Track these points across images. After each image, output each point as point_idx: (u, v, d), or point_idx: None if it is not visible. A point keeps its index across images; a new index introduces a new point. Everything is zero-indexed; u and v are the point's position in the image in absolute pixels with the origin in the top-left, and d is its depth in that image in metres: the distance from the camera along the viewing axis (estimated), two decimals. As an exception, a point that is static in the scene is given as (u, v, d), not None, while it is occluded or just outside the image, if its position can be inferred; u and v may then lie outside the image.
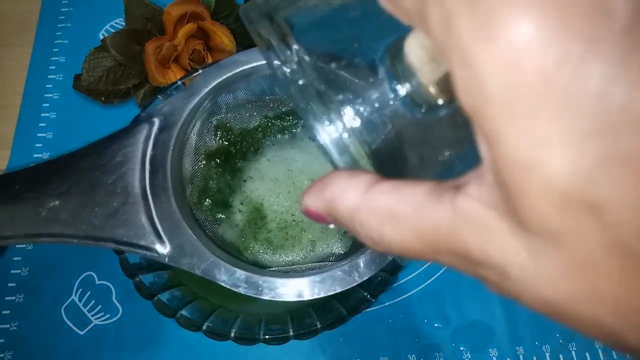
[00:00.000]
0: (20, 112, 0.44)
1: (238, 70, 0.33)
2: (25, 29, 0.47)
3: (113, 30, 0.46)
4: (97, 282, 0.38)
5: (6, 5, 0.49)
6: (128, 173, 0.29)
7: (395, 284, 0.38)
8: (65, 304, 0.37)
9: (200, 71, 0.33)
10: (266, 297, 0.27)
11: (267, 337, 0.31)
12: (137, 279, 0.31)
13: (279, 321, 0.33)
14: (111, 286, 0.38)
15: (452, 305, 0.37)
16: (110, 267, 0.36)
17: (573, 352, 0.36)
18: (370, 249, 0.25)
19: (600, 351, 0.36)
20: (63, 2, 0.49)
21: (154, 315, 0.30)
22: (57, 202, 0.27)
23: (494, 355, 0.36)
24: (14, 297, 0.37)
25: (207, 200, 0.35)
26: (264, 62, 0.32)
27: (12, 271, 0.38)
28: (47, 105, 0.44)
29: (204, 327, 0.31)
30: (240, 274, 0.28)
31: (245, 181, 0.36)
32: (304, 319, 0.33)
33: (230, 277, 0.28)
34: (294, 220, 0.35)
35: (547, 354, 0.36)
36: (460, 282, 0.38)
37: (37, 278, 0.38)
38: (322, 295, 0.27)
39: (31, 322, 0.37)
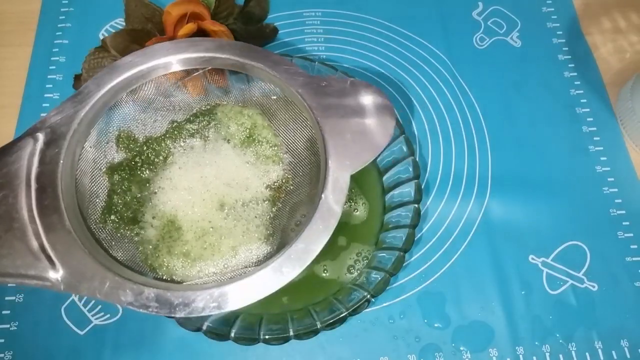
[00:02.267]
0: (20, 112, 0.44)
1: (134, 71, 0.30)
2: (25, 29, 0.47)
3: (113, 30, 0.46)
4: (97, 282, 0.38)
5: (6, 5, 0.49)
6: (11, 195, 0.26)
7: (395, 284, 0.38)
8: (65, 304, 0.37)
9: (199, 71, 0.33)
10: (181, 315, 0.25)
11: (267, 337, 0.31)
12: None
13: (279, 321, 0.33)
14: (111, 286, 0.38)
15: (452, 305, 0.37)
16: (110, 267, 0.36)
17: (573, 352, 0.36)
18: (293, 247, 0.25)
19: (600, 351, 0.36)
20: (63, 2, 0.49)
21: (154, 315, 0.30)
22: None
23: (493, 355, 0.36)
24: (14, 297, 0.37)
25: (112, 217, 0.31)
26: (165, 60, 0.30)
27: (12, 271, 0.38)
28: (47, 105, 0.44)
29: (204, 327, 0.31)
30: (149, 292, 0.25)
31: (155, 193, 0.33)
32: (304, 319, 0.33)
33: (137, 298, 0.25)
34: (212, 227, 0.32)
35: (547, 354, 0.36)
36: (460, 282, 0.38)
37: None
38: (246, 304, 0.25)
39: (31, 322, 0.37)
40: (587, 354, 0.36)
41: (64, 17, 0.48)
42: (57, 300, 0.37)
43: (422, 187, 0.31)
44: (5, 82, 0.45)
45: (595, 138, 0.43)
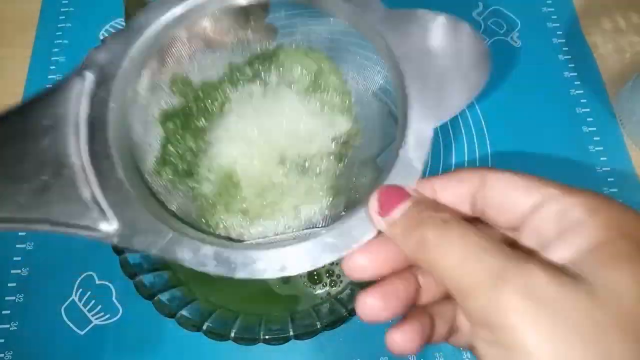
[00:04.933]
0: (20, 112, 0.44)
1: (190, 5, 0.27)
2: (25, 29, 0.47)
3: (113, 30, 0.46)
4: (97, 282, 0.38)
5: (6, 5, 0.49)
6: (59, 139, 0.24)
7: (395, 284, 0.38)
8: (65, 304, 0.37)
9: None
10: (241, 275, 0.22)
11: (267, 337, 0.31)
12: (137, 279, 0.31)
13: (279, 321, 0.33)
14: (111, 286, 0.38)
15: (452, 305, 0.37)
16: (110, 267, 0.36)
17: (573, 352, 0.36)
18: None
19: None
20: (63, 2, 0.49)
21: (154, 315, 0.30)
22: None
23: (494, 355, 0.36)
24: (14, 297, 0.37)
25: (166, 169, 0.29)
26: None
27: (12, 271, 0.38)
28: (47, 105, 0.44)
29: (204, 327, 0.31)
30: (208, 250, 0.23)
31: (212, 144, 0.30)
32: (304, 319, 0.33)
33: (195, 254, 0.22)
34: (273, 183, 0.29)
35: (547, 354, 0.36)
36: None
37: (37, 278, 0.38)
38: (309, 268, 0.22)
39: (31, 322, 0.37)
40: (587, 354, 0.36)
41: (64, 17, 0.48)
42: (57, 300, 0.37)
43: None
44: (5, 82, 0.45)
45: (595, 138, 0.43)
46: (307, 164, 0.29)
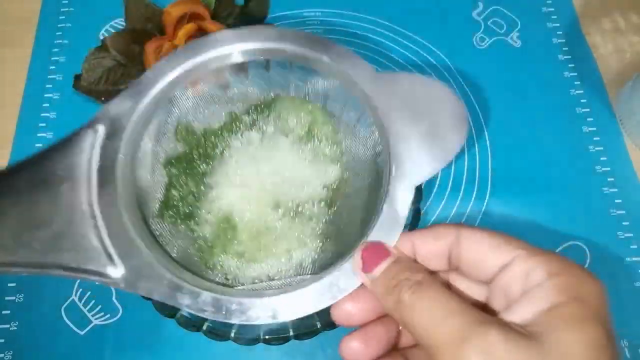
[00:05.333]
0: (20, 112, 0.44)
1: (193, 61, 0.29)
2: (25, 29, 0.47)
3: (113, 30, 0.46)
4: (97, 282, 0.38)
5: (6, 5, 0.49)
6: (72, 188, 0.25)
7: (395, 284, 0.38)
8: (65, 304, 0.37)
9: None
10: (235, 321, 0.24)
11: (267, 337, 0.31)
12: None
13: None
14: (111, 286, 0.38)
15: (452, 305, 0.37)
16: (110, 267, 0.36)
17: (573, 352, 0.36)
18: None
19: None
20: (63, 2, 0.49)
21: (154, 315, 0.30)
22: None
23: (494, 355, 0.36)
24: (14, 297, 0.37)
25: (169, 212, 0.31)
26: (225, 50, 0.29)
27: (12, 271, 0.38)
28: (47, 105, 0.44)
29: (204, 327, 0.30)
30: (206, 296, 0.24)
31: (212, 188, 0.32)
32: (304, 319, 0.33)
33: (194, 301, 0.24)
34: (267, 228, 0.31)
35: (547, 354, 0.36)
36: (460, 282, 0.38)
37: (37, 278, 0.38)
38: (298, 315, 0.24)
39: (31, 322, 0.37)
40: (587, 354, 0.36)
41: (64, 17, 0.48)
42: (57, 300, 0.37)
43: (422, 187, 0.31)
44: (5, 82, 0.45)
45: (595, 138, 0.43)
46: (299, 209, 0.31)
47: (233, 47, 0.29)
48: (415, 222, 0.34)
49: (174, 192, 0.32)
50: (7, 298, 0.37)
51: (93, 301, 0.37)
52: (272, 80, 0.33)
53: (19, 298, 0.37)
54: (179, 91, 0.30)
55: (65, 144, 0.26)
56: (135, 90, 0.28)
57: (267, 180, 0.32)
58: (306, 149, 0.33)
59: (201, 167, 0.33)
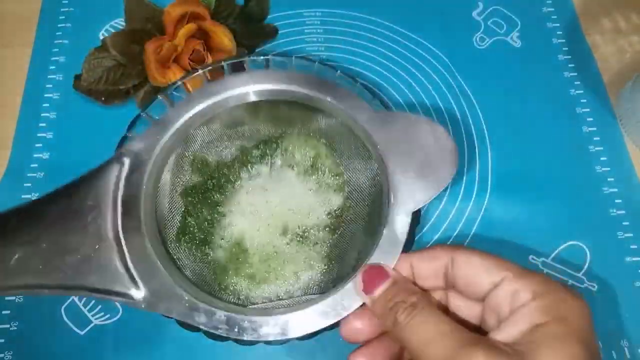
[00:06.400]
0: (20, 112, 0.44)
1: (211, 101, 0.32)
2: (25, 29, 0.47)
3: (113, 30, 0.46)
4: (97, 282, 0.38)
5: (6, 5, 0.49)
6: (100, 216, 0.28)
7: (395, 284, 0.38)
8: (65, 304, 0.37)
9: (200, 71, 0.33)
10: (248, 338, 0.27)
11: (267, 337, 0.31)
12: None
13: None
14: (111, 286, 0.38)
15: (452, 305, 0.37)
16: (110, 267, 0.36)
17: (573, 352, 0.36)
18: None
19: (600, 351, 0.36)
20: (63, 2, 0.49)
21: (154, 315, 0.30)
22: (26, 251, 0.26)
23: (494, 355, 0.36)
24: (14, 297, 0.37)
25: (186, 238, 0.34)
26: (236, 92, 0.32)
27: (12, 271, 0.38)
28: (47, 105, 0.44)
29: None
30: (220, 315, 0.27)
31: (225, 216, 0.35)
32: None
33: (210, 319, 0.27)
34: (276, 252, 0.34)
35: (547, 354, 0.36)
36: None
37: (37, 278, 0.38)
38: (305, 332, 0.27)
39: (31, 322, 0.37)
40: (587, 354, 0.36)
41: (64, 17, 0.48)
42: (57, 300, 0.37)
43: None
44: (5, 82, 0.45)
45: (595, 138, 0.43)
46: (305, 235, 0.35)
47: (247, 89, 0.32)
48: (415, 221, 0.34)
49: (190, 219, 0.35)
50: (7, 298, 0.37)
51: (93, 301, 0.37)
52: (280, 117, 0.36)
53: (19, 298, 0.37)
54: (196, 128, 0.33)
55: (93, 175, 0.29)
56: (158, 127, 0.31)
57: (276, 209, 0.35)
58: (311, 180, 0.36)
59: (215, 196, 0.36)
